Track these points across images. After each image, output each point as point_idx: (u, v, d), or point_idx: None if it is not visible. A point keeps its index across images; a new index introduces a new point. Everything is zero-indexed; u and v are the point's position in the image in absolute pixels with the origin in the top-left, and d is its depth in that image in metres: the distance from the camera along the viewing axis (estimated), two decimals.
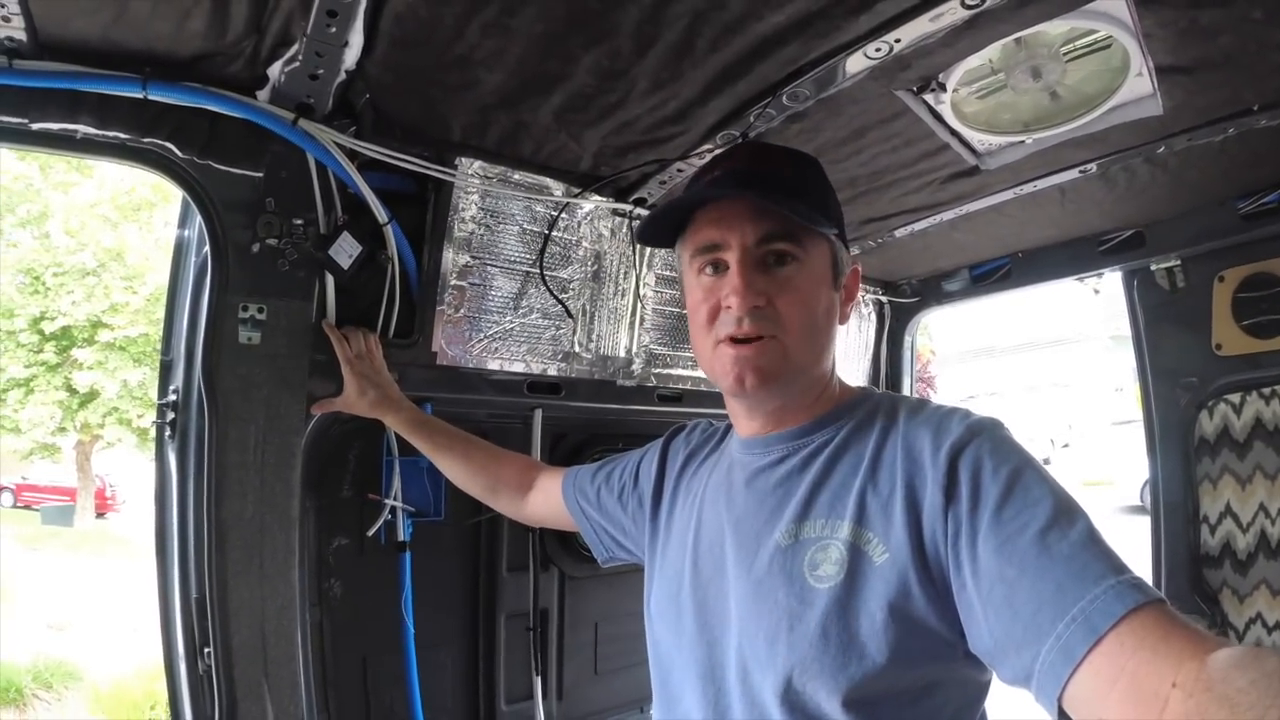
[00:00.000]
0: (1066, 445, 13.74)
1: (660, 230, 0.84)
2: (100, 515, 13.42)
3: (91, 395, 10.66)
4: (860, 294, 2.11)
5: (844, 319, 0.82)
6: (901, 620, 0.64)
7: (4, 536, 10.42)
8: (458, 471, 1.23)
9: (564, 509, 1.11)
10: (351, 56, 0.98)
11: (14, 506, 14.37)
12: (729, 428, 0.93)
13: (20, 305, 10.24)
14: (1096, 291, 1.97)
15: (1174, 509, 1.73)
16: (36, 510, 13.40)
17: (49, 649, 5.97)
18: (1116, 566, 0.55)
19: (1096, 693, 0.51)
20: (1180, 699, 0.46)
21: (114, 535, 12.14)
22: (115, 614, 7.13)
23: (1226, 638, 1.37)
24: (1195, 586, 1.69)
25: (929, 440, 0.69)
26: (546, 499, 1.15)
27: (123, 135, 1.03)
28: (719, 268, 0.78)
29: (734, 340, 0.75)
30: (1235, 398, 1.65)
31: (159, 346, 1.28)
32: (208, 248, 1.13)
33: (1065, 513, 0.59)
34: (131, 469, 14.86)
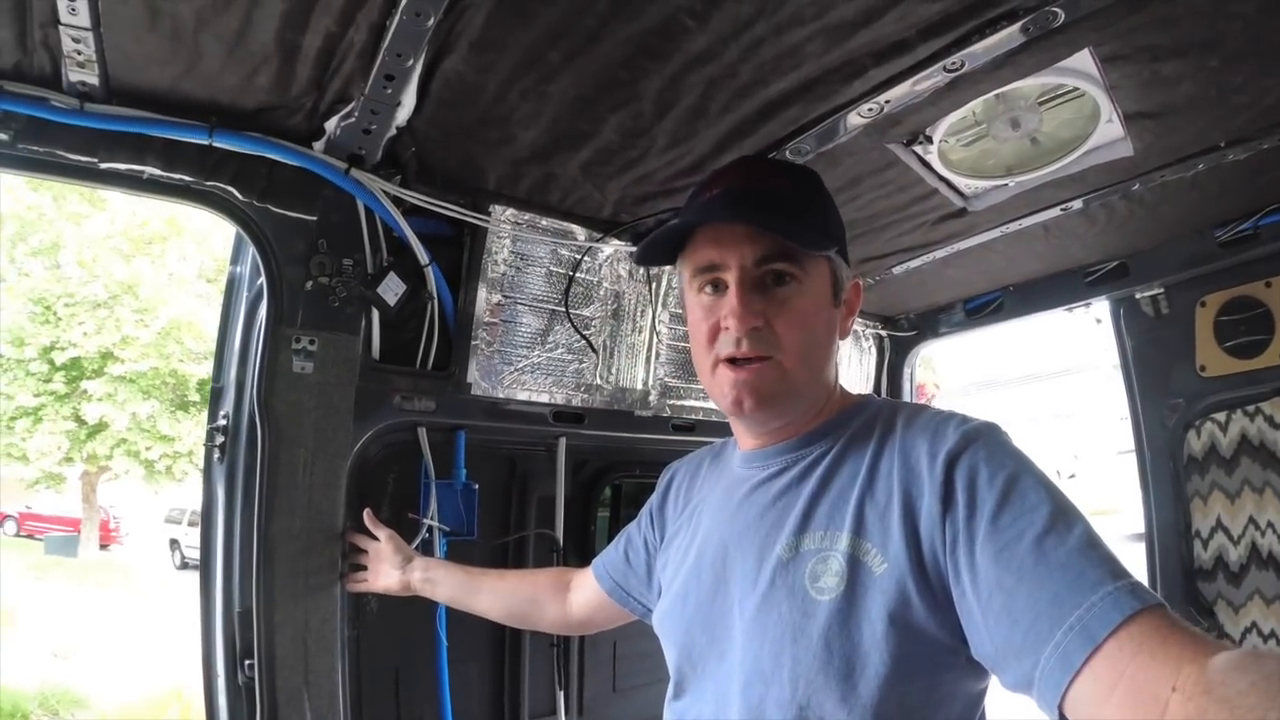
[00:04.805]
0: (1073, 476, 13.46)
1: (659, 251, 0.83)
2: (104, 547, 13.38)
3: (100, 427, 10.69)
4: (861, 328, 2.17)
5: (844, 334, 0.82)
6: (902, 629, 0.64)
7: (8, 565, 10.37)
8: (501, 593, 1.22)
9: (602, 594, 1.08)
10: (403, 115, 1.08)
11: (17, 535, 14.32)
12: (726, 443, 0.94)
13: (31, 334, 10.32)
14: (1099, 321, 1.96)
15: (1166, 525, 1.77)
16: (40, 540, 13.38)
17: (54, 676, 5.96)
18: (1114, 572, 0.55)
19: (1096, 698, 0.51)
20: (1180, 702, 0.46)
21: (118, 567, 12.11)
22: (121, 644, 7.11)
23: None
24: (1191, 599, 1.71)
25: (925, 448, 0.68)
26: (584, 592, 1.13)
27: (187, 178, 1.10)
28: (719, 287, 0.77)
29: (733, 361, 0.75)
30: (1221, 416, 1.69)
31: (210, 375, 1.35)
32: (262, 282, 1.20)
33: (1062, 517, 0.59)
34: (137, 502, 14.75)
